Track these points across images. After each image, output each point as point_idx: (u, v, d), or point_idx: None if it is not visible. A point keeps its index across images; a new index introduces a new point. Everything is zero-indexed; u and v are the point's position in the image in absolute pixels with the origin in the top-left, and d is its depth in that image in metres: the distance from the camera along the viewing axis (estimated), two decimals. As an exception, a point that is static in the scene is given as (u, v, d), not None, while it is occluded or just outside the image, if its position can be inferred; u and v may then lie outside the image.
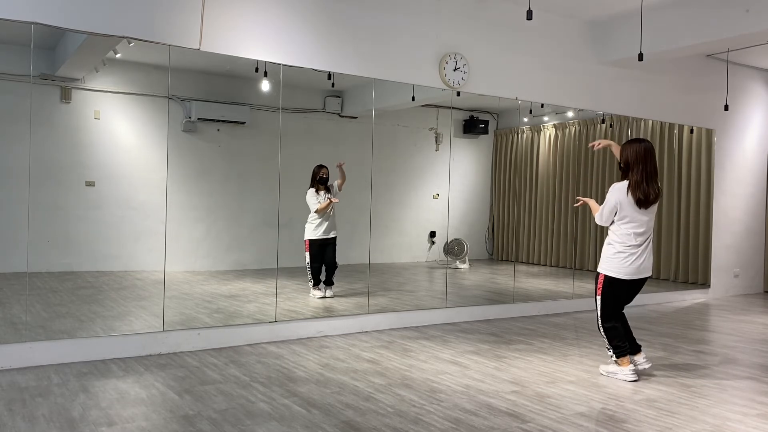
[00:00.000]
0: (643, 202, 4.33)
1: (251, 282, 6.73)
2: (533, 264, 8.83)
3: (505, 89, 6.72)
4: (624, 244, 4.40)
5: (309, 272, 6.53)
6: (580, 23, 7.22)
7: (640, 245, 4.41)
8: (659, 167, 8.47)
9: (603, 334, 4.53)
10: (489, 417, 3.56)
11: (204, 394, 3.82)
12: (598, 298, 4.52)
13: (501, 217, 8.84)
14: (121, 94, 5.85)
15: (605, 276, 4.48)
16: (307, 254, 6.53)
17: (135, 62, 5.69)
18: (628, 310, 4.75)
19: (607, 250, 4.50)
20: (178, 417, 3.44)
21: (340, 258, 7.02)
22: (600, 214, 4.49)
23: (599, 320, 4.53)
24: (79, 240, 5.65)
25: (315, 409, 3.63)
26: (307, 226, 6.59)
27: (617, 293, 4.52)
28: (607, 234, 4.58)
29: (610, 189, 4.46)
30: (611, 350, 4.49)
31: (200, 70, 6.20)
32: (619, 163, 4.50)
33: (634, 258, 4.40)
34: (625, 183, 4.37)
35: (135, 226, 5.91)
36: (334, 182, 6.64)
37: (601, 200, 4.57)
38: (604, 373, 4.53)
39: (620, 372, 4.43)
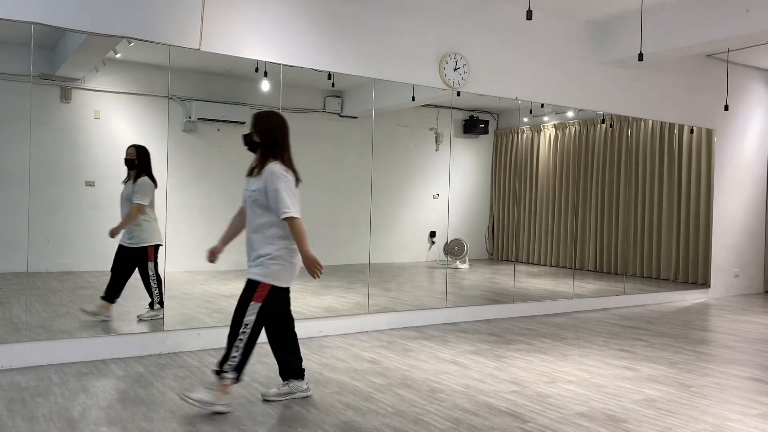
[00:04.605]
0: (298, 182, 3.65)
1: (251, 282, 6.72)
2: (533, 264, 8.84)
3: (505, 89, 6.73)
4: (291, 240, 3.60)
5: (157, 287, 5.17)
6: (580, 23, 7.22)
7: None
8: (660, 167, 8.55)
9: (243, 350, 3.55)
10: (489, 417, 3.56)
11: (204, 394, 3.82)
12: (258, 304, 3.57)
13: (501, 217, 8.84)
14: (121, 94, 5.85)
15: (272, 287, 3.59)
16: (153, 264, 5.19)
17: (135, 62, 5.69)
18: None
19: (281, 252, 3.58)
20: (178, 417, 3.44)
21: (341, 257, 7.03)
22: (292, 205, 3.52)
23: (248, 330, 3.55)
24: (79, 240, 5.64)
25: (315, 409, 3.63)
26: (151, 225, 5.22)
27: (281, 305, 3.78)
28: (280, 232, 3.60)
29: (275, 171, 3.53)
30: (233, 371, 3.55)
31: (200, 70, 6.19)
32: (252, 139, 3.65)
33: (298, 256, 3.65)
34: (281, 165, 3.57)
35: (135, 226, 5.90)
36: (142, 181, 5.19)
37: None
38: (195, 402, 3.47)
39: (221, 401, 3.52)
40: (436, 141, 7.99)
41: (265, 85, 5.88)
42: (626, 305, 7.70)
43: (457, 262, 8.48)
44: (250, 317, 3.54)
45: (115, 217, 5.81)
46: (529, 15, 4.80)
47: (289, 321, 3.85)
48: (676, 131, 8.55)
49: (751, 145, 9.07)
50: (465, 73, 6.36)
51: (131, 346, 4.70)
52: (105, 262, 5.85)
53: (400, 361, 4.76)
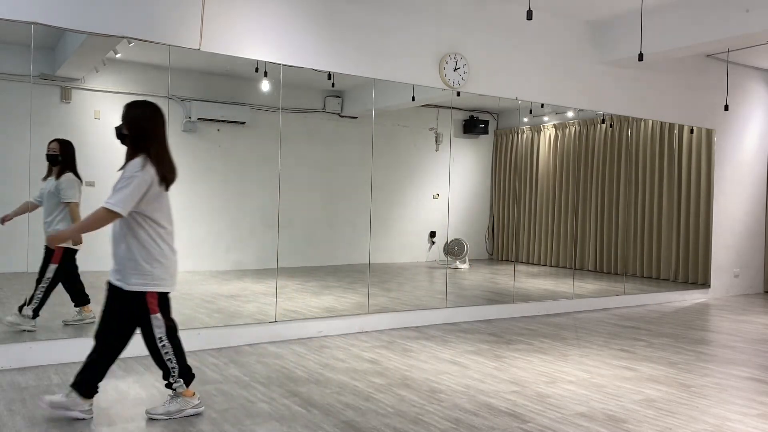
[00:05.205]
0: (168, 180, 3.38)
1: (251, 282, 6.73)
2: (533, 264, 8.84)
3: (505, 89, 6.73)
4: (166, 242, 3.40)
5: (43, 293, 4.75)
6: (580, 23, 7.23)
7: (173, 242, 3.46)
8: (660, 167, 8.55)
9: (174, 358, 3.45)
10: (489, 417, 3.56)
11: (204, 394, 3.82)
12: (158, 315, 3.41)
13: (501, 217, 8.84)
14: (121, 94, 5.85)
15: (159, 294, 3.41)
16: (55, 267, 4.76)
17: (135, 62, 5.69)
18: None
19: (144, 254, 3.31)
20: (178, 417, 3.44)
21: (341, 257, 7.03)
22: (123, 201, 3.19)
23: (165, 340, 3.44)
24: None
25: (315, 409, 3.63)
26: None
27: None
28: (131, 232, 3.32)
29: (132, 165, 3.27)
30: (179, 377, 3.47)
31: (200, 70, 6.19)
32: (122, 133, 3.39)
33: (175, 257, 3.47)
34: (142, 159, 3.28)
35: (135, 226, 5.91)
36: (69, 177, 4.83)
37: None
38: (161, 416, 3.40)
39: (189, 405, 3.47)
40: (436, 141, 7.99)
41: (265, 85, 5.88)
42: (626, 305, 7.70)
43: (457, 262, 8.48)
44: (159, 330, 3.39)
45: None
46: (529, 15, 4.80)
47: (128, 337, 3.47)
48: (676, 131, 8.55)
49: (751, 145, 9.07)
50: (465, 73, 6.36)
51: (131, 346, 4.68)
52: (106, 263, 5.85)
53: (400, 361, 4.76)
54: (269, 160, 5.97)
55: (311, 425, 3.37)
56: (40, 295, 4.71)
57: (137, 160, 3.27)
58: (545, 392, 4.05)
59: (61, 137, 4.86)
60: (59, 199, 4.75)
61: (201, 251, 6.73)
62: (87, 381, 3.36)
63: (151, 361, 4.53)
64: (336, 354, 4.92)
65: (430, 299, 6.79)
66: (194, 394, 3.51)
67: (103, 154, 5.88)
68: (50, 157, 4.80)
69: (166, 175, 3.35)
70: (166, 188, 3.39)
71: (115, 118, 5.95)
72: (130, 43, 4.77)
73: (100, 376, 3.40)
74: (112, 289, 3.37)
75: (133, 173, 3.23)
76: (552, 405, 3.80)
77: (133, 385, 4.00)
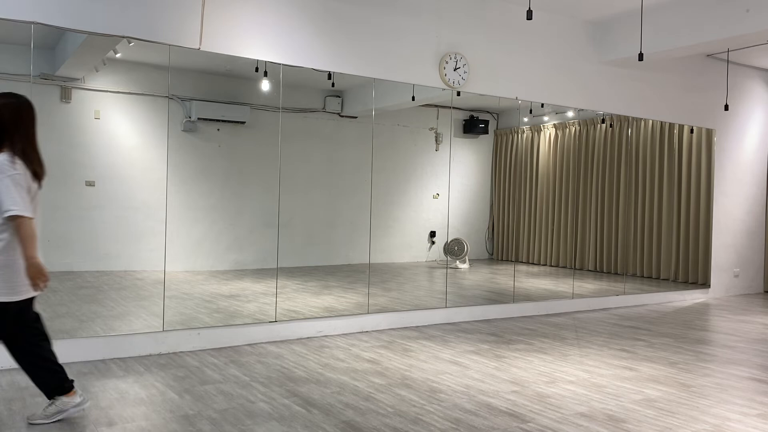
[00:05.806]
0: (39, 176, 3.16)
1: (251, 282, 6.73)
2: (533, 264, 8.84)
3: (505, 89, 6.73)
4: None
5: None
6: (580, 23, 7.23)
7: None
8: (660, 167, 8.55)
9: None
10: (489, 417, 3.56)
11: (204, 394, 3.82)
12: None
13: (501, 217, 8.84)
14: (121, 94, 5.85)
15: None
16: None
17: (135, 62, 5.69)
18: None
19: (5, 258, 3.05)
20: (178, 417, 3.44)
21: (341, 257, 7.02)
22: (21, 201, 3.01)
23: None
24: (79, 240, 5.65)
25: (315, 409, 3.64)
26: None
27: (8, 319, 3.17)
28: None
29: (2, 166, 3.02)
30: None
31: (200, 70, 6.19)
32: None
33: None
34: (8, 156, 3.05)
35: (135, 226, 5.91)
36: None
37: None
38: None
39: None
40: (436, 141, 7.99)
41: (265, 85, 5.88)
42: (626, 305, 7.70)
43: (457, 262, 8.48)
44: None
45: (116, 218, 5.82)
46: (529, 15, 4.80)
47: (36, 336, 3.29)
48: (676, 131, 8.55)
49: (751, 145, 9.07)
50: (465, 73, 6.36)
51: (131, 346, 4.70)
52: (106, 262, 5.87)
53: (400, 361, 4.76)
54: (269, 160, 5.98)
55: (311, 425, 3.37)
56: None
57: (5, 157, 3.04)
58: (545, 392, 4.05)
59: None
60: None
61: (201, 251, 6.73)
62: (54, 383, 3.29)
63: (151, 361, 4.54)
64: (336, 354, 4.92)
65: (430, 299, 6.79)
66: None
67: (103, 154, 5.90)
68: None
69: (37, 170, 3.15)
70: (39, 185, 3.18)
71: (115, 118, 5.97)
72: (130, 43, 4.77)
73: (57, 369, 3.30)
74: None
75: (6, 172, 3.00)
76: (552, 405, 3.80)
77: (133, 385, 4.00)
